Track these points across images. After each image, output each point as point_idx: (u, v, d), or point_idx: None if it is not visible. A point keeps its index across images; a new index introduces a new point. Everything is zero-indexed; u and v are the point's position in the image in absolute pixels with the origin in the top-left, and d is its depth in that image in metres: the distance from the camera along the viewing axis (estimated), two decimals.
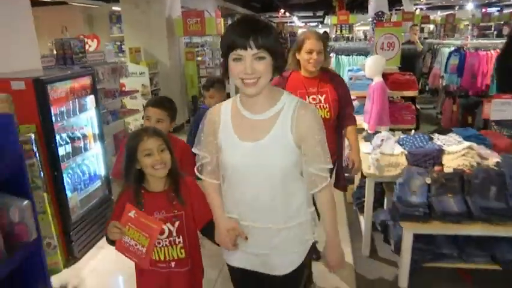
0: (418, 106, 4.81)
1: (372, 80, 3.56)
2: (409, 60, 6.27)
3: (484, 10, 14.14)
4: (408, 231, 2.47)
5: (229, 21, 8.34)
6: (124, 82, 5.76)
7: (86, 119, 3.31)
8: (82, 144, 3.20)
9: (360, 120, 3.57)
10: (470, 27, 11.54)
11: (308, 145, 1.42)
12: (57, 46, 4.18)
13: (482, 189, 2.44)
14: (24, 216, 1.52)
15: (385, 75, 3.81)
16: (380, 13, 5.48)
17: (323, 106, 2.40)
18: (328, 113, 2.41)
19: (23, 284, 1.60)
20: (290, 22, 22.62)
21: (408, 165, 2.72)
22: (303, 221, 1.53)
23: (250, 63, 1.30)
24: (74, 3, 8.66)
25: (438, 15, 15.32)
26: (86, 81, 3.22)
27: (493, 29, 13.40)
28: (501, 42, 5.27)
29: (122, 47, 9.48)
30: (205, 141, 1.55)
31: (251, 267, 1.59)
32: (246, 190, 1.48)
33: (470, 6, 14.38)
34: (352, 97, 2.78)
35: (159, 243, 1.61)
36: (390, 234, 2.80)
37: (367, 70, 3.56)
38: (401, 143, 3.01)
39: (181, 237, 1.63)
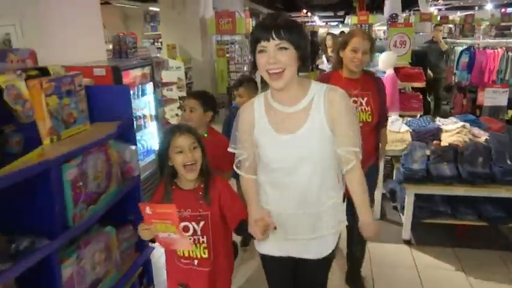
0: (429, 98, 5.35)
1: (385, 72, 4.15)
2: (431, 59, 6.66)
3: (503, 10, 14.39)
4: (410, 191, 3.06)
5: (255, 21, 8.98)
6: (162, 75, 6.48)
7: (145, 102, 4.00)
8: (142, 123, 3.89)
9: None
10: (482, 27, 11.84)
11: (338, 127, 1.46)
12: (114, 41, 4.90)
13: (471, 159, 3.02)
14: (132, 158, 2.18)
15: (397, 69, 4.38)
16: (394, 15, 6.03)
17: (364, 109, 2.32)
18: (370, 117, 2.33)
19: (127, 206, 2.25)
20: (311, 22, 23.13)
21: (412, 141, 3.31)
22: (337, 201, 1.60)
23: (273, 53, 1.37)
24: (114, 3, 9.45)
25: (457, 16, 15.61)
26: (147, 70, 3.91)
27: None
28: (506, 41, 5.75)
29: (155, 44, 10.26)
30: (241, 138, 1.59)
31: (284, 253, 1.66)
32: (286, 180, 1.53)
33: (489, 7, 14.64)
34: None
35: None
36: (397, 198, 3.41)
37: (380, 64, 4.15)
38: (408, 124, 3.59)
39: (205, 237, 1.66)
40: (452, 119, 3.49)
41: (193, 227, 1.66)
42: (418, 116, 3.86)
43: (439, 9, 15.61)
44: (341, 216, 1.66)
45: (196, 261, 1.71)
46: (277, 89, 1.44)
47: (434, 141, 3.22)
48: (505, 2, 13.84)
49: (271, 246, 1.66)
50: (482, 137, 3.25)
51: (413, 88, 4.61)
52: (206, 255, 1.70)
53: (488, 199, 3.03)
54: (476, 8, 15.71)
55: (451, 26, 16.24)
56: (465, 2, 14.69)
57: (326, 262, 1.70)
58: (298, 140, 1.47)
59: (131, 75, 3.62)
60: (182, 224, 1.64)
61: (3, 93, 1.40)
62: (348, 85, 2.22)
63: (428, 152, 3.13)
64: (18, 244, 1.46)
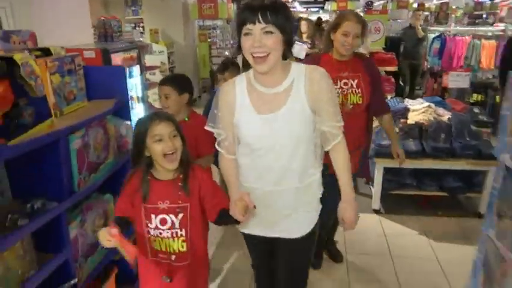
0: (401, 82, 5.68)
1: None
2: (407, 45, 6.92)
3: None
4: (380, 165, 3.36)
5: (236, 6, 9.09)
6: (145, 59, 6.61)
7: (133, 85, 4.16)
8: (130, 104, 4.06)
9: None
10: (455, 15, 12.29)
11: (320, 105, 1.48)
12: (99, 25, 4.99)
13: (435, 135, 3.33)
14: (127, 132, 2.39)
15: (371, 54, 4.66)
16: (369, 2, 6.31)
17: (355, 91, 2.31)
18: (360, 98, 2.32)
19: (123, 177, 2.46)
20: (292, 8, 23.24)
21: None
22: (317, 178, 1.64)
23: (259, 37, 1.36)
24: None
25: (433, 3, 16.02)
26: (133, 54, 4.07)
27: (484, 17, 14.14)
28: (475, 29, 6.11)
29: (137, 28, 10.26)
30: (221, 118, 1.59)
31: (266, 233, 1.69)
32: (266, 159, 1.55)
33: None
34: None
35: (160, 233, 1.60)
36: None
37: None
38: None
39: (183, 230, 1.60)
40: (420, 100, 3.80)
41: (171, 220, 1.59)
42: (389, 97, 4.15)
43: None
44: (317, 191, 1.68)
45: (173, 257, 1.64)
46: (262, 72, 1.45)
47: (402, 120, 3.52)
48: None
49: (252, 226, 1.68)
50: (446, 116, 3.57)
51: (386, 72, 4.90)
52: (184, 249, 1.63)
53: (449, 171, 3.36)
54: None
55: (427, 13, 16.67)
56: None
57: (305, 242, 1.69)
58: (278, 120, 1.48)
59: (118, 58, 3.78)
60: (160, 216, 1.60)
61: (17, 70, 1.58)
62: (339, 67, 2.29)
63: (396, 130, 3.43)
64: (33, 204, 1.66)
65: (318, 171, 1.65)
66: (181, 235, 1.62)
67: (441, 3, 15.68)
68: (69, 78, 2.04)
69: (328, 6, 18.86)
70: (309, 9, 28.39)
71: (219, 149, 1.66)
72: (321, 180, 1.68)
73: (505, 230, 1.85)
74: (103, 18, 5.17)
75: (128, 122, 2.38)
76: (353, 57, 2.34)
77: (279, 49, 1.42)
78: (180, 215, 1.59)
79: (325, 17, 25.93)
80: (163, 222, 1.60)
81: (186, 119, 2.36)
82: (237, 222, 1.53)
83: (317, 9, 28.00)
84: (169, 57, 7.45)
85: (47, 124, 1.73)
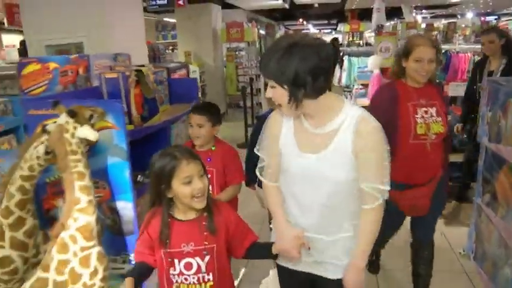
0: None
1: (372, 72, 5.18)
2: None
3: (482, 19, 15.60)
4: None
5: (260, 30, 10.00)
6: None
7: None
8: None
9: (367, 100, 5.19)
10: (458, 34, 13.01)
11: (362, 161, 1.39)
12: (149, 48, 5.91)
13: None
14: None
15: (383, 69, 5.42)
16: (380, 25, 7.09)
17: (436, 120, 2.16)
18: (442, 127, 2.17)
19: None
20: (306, 29, 24.32)
21: None
22: (355, 235, 1.52)
23: (268, 89, 1.40)
24: None
25: (441, 23, 16.82)
26: (184, 71, 4.92)
27: None
28: (474, 47, 6.84)
29: (167, 51, 11.27)
30: (266, 145, 1.58)
31: (304, 268, 1.61)
32: (306, 197, 1.50)
33: (470, 15, 15.87)
34: (360, 85, 3.93)
35: (186, 279, 1.48)
36: None
37: (369, 65, 5.19)
38: None
39: (211, 274, 1.48)
40: None
41: (197, 263, 1.47)
42: None
43: (424, 17, 16.82)
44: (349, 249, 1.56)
45: None
46: (286, 115, 1.48)
47: None
48: (483, 11, 15.07)
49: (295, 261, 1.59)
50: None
51: None
52: None
53: (451, 163, 4.03)
54: (459, 16, 16.93)
55: (435, 32, 17.47)
56: (447, 11, 15.90)
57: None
58: (320, 161, 1.43)
59: (175, 75, 4.61)
60: (184, 260, 1.48)
61: (142, 77, 2.37)
62: (416, 95, 2.15)
63: None
64: (142, 176, 2.39)
65: (353, 230, 1.52)
66: (209, 280, 1.50)
67: (449, 22, 16.49)
68: (160, 87, 2.85)
69: (340, 27, 19.80)
70: (322, 31, 29.56)
71: (261, 178, 1.66)
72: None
73: (489, 194, 2.50)
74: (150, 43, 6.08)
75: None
76: (427, 84, 2.21)
77: (285, 99, 1.37)
78: (207, 258, 1.48)
79: (338, 37, 27.03)
80: (188, 267, 1.48)
81: (213, 148, 2.34)
82: (275, 257, 1.56)
83: (330, 30, 29.15)
84: (200, 77, 8.33)
85: (157, 117, 2.52)
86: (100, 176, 1.96)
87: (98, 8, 4.35)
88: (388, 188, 1.44)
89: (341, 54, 10.04)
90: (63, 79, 2.32)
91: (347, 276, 1.53)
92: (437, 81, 8.15)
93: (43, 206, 2.17)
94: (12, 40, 10.06)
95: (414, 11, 13.38)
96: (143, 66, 2.81)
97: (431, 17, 17.90)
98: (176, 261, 1.49)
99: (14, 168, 1.93)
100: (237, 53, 8.72)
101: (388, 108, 2.17)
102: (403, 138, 2.17)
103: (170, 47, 10.64)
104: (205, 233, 1.48)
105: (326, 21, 19.86)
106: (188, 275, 1.50)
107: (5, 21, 8.01)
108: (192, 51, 8.41)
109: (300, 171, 1.51)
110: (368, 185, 1.43)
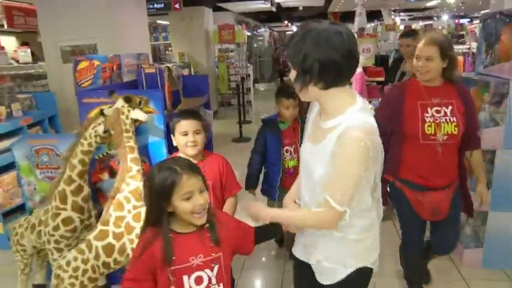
0: None
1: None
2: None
3: (457, 21, 16.54)
4: None
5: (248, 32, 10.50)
6: None
7: None
8: None
9: None
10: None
11: (330, 167, 1.34)
12: (152, 49, 6.37)
13: None
14: (209, 118, 3.67)
15: (365, 68, 6.01)
16: (361, 28, 7.72)
17: (449, 120, 2.07)
18: (456, 128, 2.07)
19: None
20: (289, 31, 24.98)
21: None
22: (346, 236, 1.47)
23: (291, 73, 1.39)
24: None
25: (419, 25, 17.69)
26: (187, 69, 5.40)
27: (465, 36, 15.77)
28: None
29: (167, 52, 11.68)
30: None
31: (300, 255, 1.65)
32: (302, 183, 1.57)
33: (445, 17, 16.78)
34: None
35: None
36: None
37: None
38: (373, 105, 5.20)
39: (221, 284, 1.45)
40: None
41: (208, 276, 1.42)
42: (380, 99, 5.49)
43: (402, 20, 17.66)
44: (347, 258, 1.50)
45: None
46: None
47: None
48: (456, 14, 15.98)
49: (294, 246, 1.68)
50: None
51: (376, 82, 6.25)
52: None
53: None
54: (435, 18, 17.83)
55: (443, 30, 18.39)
56: (423, 14, 16.77)
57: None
58: (311, 153, 1.47)
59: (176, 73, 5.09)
60: (194, 275, 1.41)
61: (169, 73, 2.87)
62: (428, 93, 2.09)
63: None
64: None
65: (353, 230, 1.47)
66: None
67: (426, 24, 17.39)
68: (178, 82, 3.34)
69: None
70: None
71: None
72: (356, 247, 1.50)
73: None
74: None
75: (210, 111, 3.67)
76: (444, 83, 2.13)
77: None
78: (216, 268, 1.44)
79: None
80: (199, 281, 1.42)
81: (203, 158, 2.24)
82: (276, 234, 1.69)
83: None
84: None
85: (181, 106, 3.02)
86: (141, 152, 2.45)
87: (109, 12, 4.83)
88: (341, 209, 1.32)
89: None
90: (103, 74, 2.80)
91: (252, 203, 1.56)
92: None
93: (91, 179, 2.65)
94: (8, 41, 10.32)
95: (393, 13, 14.16)
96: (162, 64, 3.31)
97: (409, 19, 18.81)
98: (185, 277, 1.40)
99: (74, 146, 2.41)
100: (227, 53, 9.22)
101: (395, 106, 2.17)
102: (411, 137, 2.15)
103: (163, 48, 11.04)
104: (210, 244, 1.43)
105: None
106: None
107: (4, 23, 8.30)
108: (186, 52, 8.87)
109: (302, 157, 1.57)
110: (323, 192, 1.35)
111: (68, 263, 2.17)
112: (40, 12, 4.98)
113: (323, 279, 1.57)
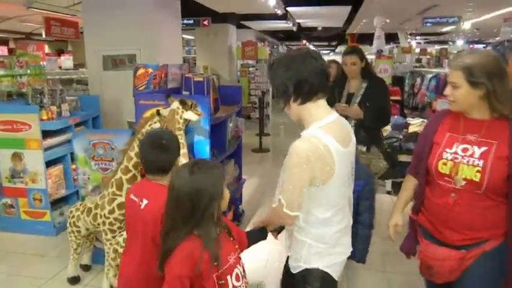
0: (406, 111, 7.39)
1: None
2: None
3: (471, 46, 16.84)
4: None
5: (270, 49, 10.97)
6: None
7: None
8: None
9: None
10: (449, 59, 14.19)
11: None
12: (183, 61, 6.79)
13: None
14: (241, 124, 4.02)
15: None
16: (379, 50, 8.11)
17: (473, 162, 1.64)
18: (477, 175, 1.62)
19: (236, 152, 4.05)
20: None
21: (391, 130, 5.23)
22: (299, 239, 1.64)
23: None
24: None
25: (434, 49, 18.03)
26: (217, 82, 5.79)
27: None
28: None
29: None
30: None
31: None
32: None
33: (460, 42, 17.11)
34: None
35: None
36: None
37: None
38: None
39: (246, 277, 1.53)
40: (418, 118, 5.43)
41: (240, 271, 1.49)
42: (395, 117, 5.81)
43: (418, 43, 18.04)
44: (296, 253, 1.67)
45: None
46: None
47: (404, 130, 5.15)
48: (471, 40, 16.29)
49: None
50: None
51: (392, 100, 6.59)
52: None
53: None
54: (451, 43, 18.17)
55: (428, 57, 18.72)
56: (439, 38, 17.13)
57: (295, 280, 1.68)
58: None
59: None
60: (234, 272, 1.46)
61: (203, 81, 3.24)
62: (467, 127, 1.70)
63: (401, 136, 5.05)
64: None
65: (308, 232, 1.63)
66: (247, 282, 1.54)
67: (441, 48, 17.71)
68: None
69: (340, 49, 21.01)
70: (321, 51, 30.81)
71: None
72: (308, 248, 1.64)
73: None
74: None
75: (242, 119, 4.03)
76: (496, 118, 1.67)
77: (288, 106, 1.60)
78: (241, 263, 1.52)
79: (336, 59, 28.15)
80: (238, 278, 1.46)
81: None
82: (265, 237, 1.74)
83: (328, 51, 30.44)
84: None
85: (220, 112, 3.38)
86: (187, 149, 2.79)
87: (148, 25, 5.26)
88: (286, 210, 1.50)
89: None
90: (154, 81, 3.18)
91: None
92: (429, 101, 9.24)
93: (140, 171, 3.01)
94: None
95: (409, 37, 14.55)
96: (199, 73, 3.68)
97: (425, 43, 19.18)
98: (228, 277, 1.43)
99: (132, 140, 2.77)
100: (249, 69, 9.65)
101: (427, 133, 1.86)
102: (430, 173, 1.79)
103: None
104: (232, 241, 1.52)
105: (326, 43, 21.09)
106: (239, 286, 1.47)
107: (43, 32, 8.87)
108: (209, 66, 9.31)
109: None
110: (278, 193, 1.56)
111: (125, 240, 2.50)
112: (86, 23, 5.44)
113: (291, 269, 1.73)
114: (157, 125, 2.69)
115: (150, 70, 3.11)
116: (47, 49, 10.87)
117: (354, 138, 1.68)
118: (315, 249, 1.62)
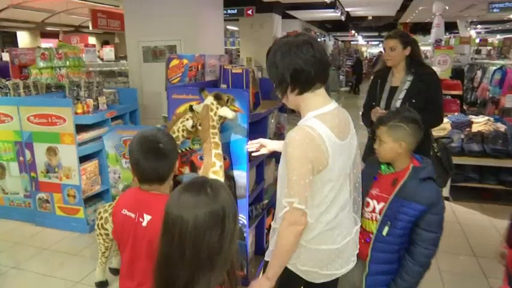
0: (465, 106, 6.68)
1: None
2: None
3: None
4: None
5: None
6: None
7: None
8: None
9: None
10: None
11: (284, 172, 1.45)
12: (225, 52, 6.55)
13: (494, 140, 4.34)
14: (284, 121, 3.68)
15: (440, 81, 5.73)
16: (438, 40, 7.39)
17: None
18: None
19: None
20: (352, 41, 24.59)
21: (451, 128, 4.67)
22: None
23: None
24: None
25: (496, 39, 16.63)
26: (260, 74, 5.49)
27: None
28: None
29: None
30: None
31: None
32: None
33: None
34: None
35: None
36: None
37: None
38: (449, 119, 4.95)
39: None
40: (481, 115, 4.82)
41: None
42: (456, 113, 5.20)
43: (478, 33, 16.70)
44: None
45: None
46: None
47: (467, 129, 4.57)
48: None
49: None
50: (502, 128, 4.56)
51: (452, 95, 5.93)
52: None
53: (506, 168, 4.33)
54: None
55: (489, 48, 17.29)
56: (504, 26, 15.72)
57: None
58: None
59: None
60: None
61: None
62: None
63: (462, 136, 4.49)
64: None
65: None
66: None
67: (505, 38, 16.27)
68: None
69: None
70: (369, 43, 29.67)
71: None
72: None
73: None
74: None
75: (285, 115, 3.69)
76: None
77: (284, 96, 1.52)
78: None
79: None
80: None
81: None
82: None
83: (378, 42, 29.22)
84: None
85: (260, 108, 3.06)
86: (223, 149, 2.50)
87: (190, 16, 5.03)
88: (292, 201, 1.38)
89: None
90: (189, 73, 2.91)
91: (254, 281, 1.50)
92: (491, 96, 8.37)
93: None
94: (90, 41, 11.12)
95: (470, 25, 13.43)
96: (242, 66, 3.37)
97: (486, 32, 17.71)
98: None
99: None
100: None
101: None
102: None
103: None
104: None
105: (376, 33, 20.10)
106: None
107: (90, 24, 8.97)
108: (253, 57, 9.02)
109: None
110: (282, 197, 1.44)
111: None
112: (127, 14, 5.31)
113: None
114: (190, 122, 2.42)
115: (185, 61, 2.84)
116: (90, 40, 11.05)
117: (354, 131, 1.60)
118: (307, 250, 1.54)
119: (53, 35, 11.40)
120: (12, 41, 13.36)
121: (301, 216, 1.40)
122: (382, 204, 1.85)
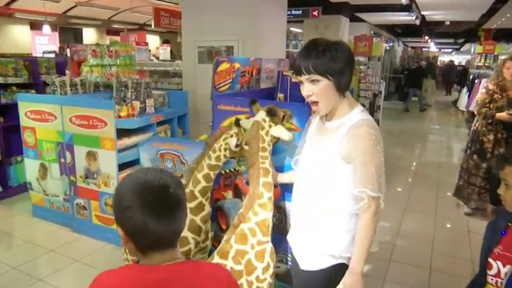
0: None
1: None
2: None
3: None
4: None
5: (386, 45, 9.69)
6: None
7: None
8: None
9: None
10: None
11: (352, 163, 1.45)
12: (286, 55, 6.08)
13: None
14: None
15: None
16: None
17: None
18: None
19: None
20: (424, 47, 22.98)
21: None
22: (322, 229, 1.57)
23: (307, 86, 1.46)
24: None
25: None
26: None
27: None
28: None
29: None
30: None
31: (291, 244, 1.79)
32: (299, 177, 1.66)
33: None
34: None
35: None
36: None
37: None
38: None
39: None
40: None
41: None
42: None
43: None
44: (326, 249, 1.56)
45: None
46: (318, 115, 1.59)
47: None
48: None
49: None
50: None
51: None
52: None
53: None
54: None
55: None
56: None
57: (312, 279, 1.61)
58: (314, 150, 1.58)
59: None
60: None
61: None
62: None
63: None
64: None
65: (330, 223, 1.55)
66: None
67: None
68: None
69: (469, 47, 18.30)
70: (441, 50, 27.67)
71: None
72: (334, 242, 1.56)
73: None
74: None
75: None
76: None
77: (328, 95, 1.44)
78: None
79: (458, 59, 24.95)
80: None
81: None
82: None
83: (451, 50, 27.15)
84: None
85: None
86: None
87: (250, 15, 4.60)
88: (376, 194, 1.43)
89: (472, 77, 9.26)
90: (241, 79, 2.47)
91: (344, 280, 1.52)
92: None
93: (213, 196, 2.32)
94: (153, 40, 11.19)
95: None
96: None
97: None
98: None
99: (201, 157, 2.09)
100: (361, 67, 8.52)
101: None
102: None
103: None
104: None
105: (451, 40, 18.52)
106: None
107: (152, 23, 8.91)
108: None
109: (300, 159, 1.69)
110: (356, 189, 1.46)
111: None
112: (184, 12, 5.02)
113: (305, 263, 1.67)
114: (234, 140, 1.97)
115: (237, 65, 2.40)
116: (153, 39, 11.08)
117: None
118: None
119: (118, 33, 11.61)
120: (80, 38, 13.89)
121: (380, 204, 1.48)
122: (509, 267, 1.47)
